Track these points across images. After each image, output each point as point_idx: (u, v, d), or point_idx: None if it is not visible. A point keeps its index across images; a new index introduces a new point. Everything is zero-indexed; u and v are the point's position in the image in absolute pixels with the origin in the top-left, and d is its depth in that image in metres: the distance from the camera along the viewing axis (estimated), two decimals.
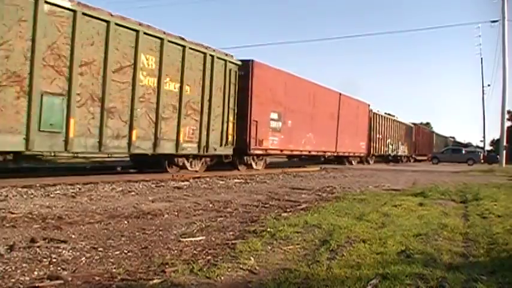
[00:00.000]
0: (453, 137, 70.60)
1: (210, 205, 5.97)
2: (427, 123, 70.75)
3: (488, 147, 49.82)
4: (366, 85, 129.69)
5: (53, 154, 12.37)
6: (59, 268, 2.80)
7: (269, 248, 3.53)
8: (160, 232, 4.04)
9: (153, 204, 5.78)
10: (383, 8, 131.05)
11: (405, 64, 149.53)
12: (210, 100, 11.56)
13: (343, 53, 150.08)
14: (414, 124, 39.27)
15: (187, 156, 11.44)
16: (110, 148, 8.95)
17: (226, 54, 12.45)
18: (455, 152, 37.92)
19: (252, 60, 13.57)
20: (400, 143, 32.54)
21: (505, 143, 27.02)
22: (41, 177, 8.41)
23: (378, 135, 27.22)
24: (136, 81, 9.31)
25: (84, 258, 3.05)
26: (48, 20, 7.53)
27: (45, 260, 2.96)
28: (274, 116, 15.01)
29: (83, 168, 12.47)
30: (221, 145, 12.18)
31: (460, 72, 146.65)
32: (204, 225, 4.43)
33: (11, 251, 3.11)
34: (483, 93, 45.92)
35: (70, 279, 2.57)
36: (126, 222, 4.47)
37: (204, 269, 2.84)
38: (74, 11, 7.89)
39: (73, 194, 6.42)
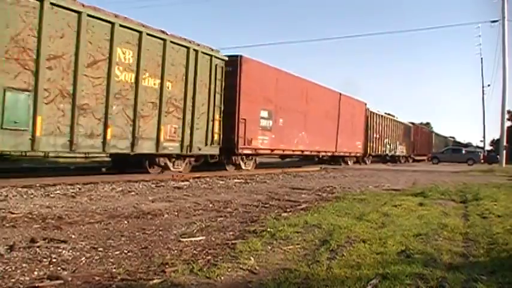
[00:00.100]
0: (453, 137, 70.65)
1: (210, 205, 5.98)
2: (427, 123, 70.91)
3: (488, 147, 49.83)
4: (366, 85, 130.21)
5: (23, 154, 12.12)
6: (59, 268, 2.80)
7: (269, 248, 3.54)
8: (160, 232, 4.04)
9: (153, 204, 5.78)
10: (383, 8, 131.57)
11: (405, 64, 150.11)
12: (194, 97, 10.96)
13: (343, 53, 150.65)
14: (413, 124, 39.08)
15: (169, 156, 10.86)
16: (83, 147, 8.46)
17: (212, 49, 11.78)
18: (455, 152, 37.87)
19: (241, 56, 13.01)
20: (398, 142, 32.29)
21: (505, 143, 26.98)
22: (41, 177, 8.39)
23: (375, 135, 26.86)
24: (112, 77, 8.75)
25: (84, 258, 3.05)
26: (11, 9, 7.02)
27: (45, 260, 2.96)
28: (265, 114, 14.37)
29: (83, 168, 12.46)
30: (206, 144, 11.56)
31: (460, 72, 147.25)
32: (204, 225, 4.44)
33: (11, 251, 3.11)
34: (483, 93, 45.81)
35: (70, 279, 2.57)
36: (126, 222, 4.47)
37: (204, 269, 2.84)
38: (41, 1, 7.40)
39: (73, 194, 6.42)
